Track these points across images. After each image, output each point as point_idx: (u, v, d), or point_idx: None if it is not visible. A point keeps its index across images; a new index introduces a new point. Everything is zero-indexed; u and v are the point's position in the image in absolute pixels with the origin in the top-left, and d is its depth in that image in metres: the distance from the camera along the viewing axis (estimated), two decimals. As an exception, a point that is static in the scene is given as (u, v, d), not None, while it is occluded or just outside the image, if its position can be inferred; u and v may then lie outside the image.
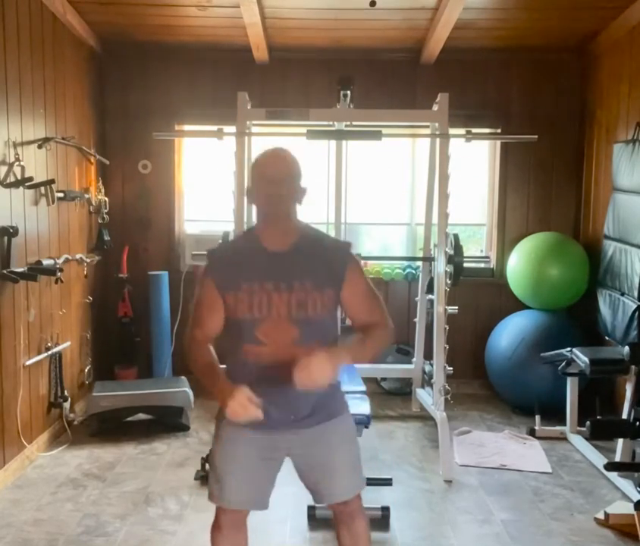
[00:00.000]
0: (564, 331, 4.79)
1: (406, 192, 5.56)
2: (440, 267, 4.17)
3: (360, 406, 3.28)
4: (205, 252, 2.09)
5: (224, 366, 2.04)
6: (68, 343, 4.41)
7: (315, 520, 3.16)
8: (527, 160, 5.32)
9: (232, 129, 4.18)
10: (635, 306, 3.99)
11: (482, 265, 5.55)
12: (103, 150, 5.17)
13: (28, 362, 3.82)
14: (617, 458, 3.76)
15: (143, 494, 3.51)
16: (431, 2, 4.22)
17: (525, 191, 5.39)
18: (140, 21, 4.66)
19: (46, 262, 3.96)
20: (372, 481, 3.44)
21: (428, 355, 4.61)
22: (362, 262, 5.23)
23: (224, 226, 4.56)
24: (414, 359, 4.97)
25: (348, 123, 4.58)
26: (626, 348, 3.63)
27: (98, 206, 5.03)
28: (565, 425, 4.39)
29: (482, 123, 5.27)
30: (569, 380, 4.36)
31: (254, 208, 2.06)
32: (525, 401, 4.72)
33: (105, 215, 5.11)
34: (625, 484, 3.54)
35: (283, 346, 1.93)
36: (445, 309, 4.14)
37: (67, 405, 4.31)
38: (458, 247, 4.34)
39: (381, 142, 4.30)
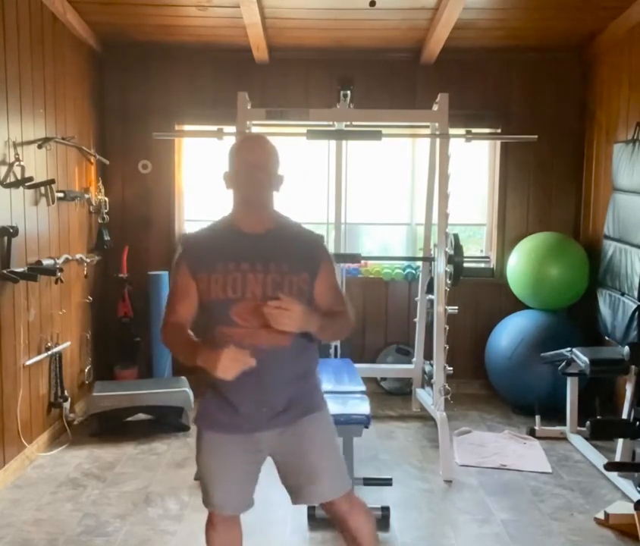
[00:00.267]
0: (564, 331, 4.79)
1: (406, 192, 5.56)
2: (440, 267, 4.17)
3: (360, 406, 3.28)
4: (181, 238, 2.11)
5: None
6: (68, 343, 4.41)
7: (315, 520, 3.15)
8: (527, 160, 5.32)
9: (232, 129, 4.18)
10: (635, 306, 3.99)
11: (482, 265, 5.55)
12: (103, 150, 5.17)
13: (28, 362, 3.82)
14: (617, 458, 3.76)
15: (143, 494, 3.51)
16: (431, 2, 4.22)
17: (525, 191, 5.39)
18: (140, 21, 4.66)
19: (46, 262, 3.96)
20: (372, 481, 3.46)
21: (428, 355, 4.61)
22: (362, 261, 5.24)
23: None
24: (414, 359, 4.97)
25: (348, 123, 4.58)
26: (626, 348, 3.63)
27: (98, 206, 5.03)
28: (565, 425, 4.39)
29: (482, 123, 5.27)
30: (569, 380, 4.36)
31: (231, 193, 2.04)
32: (525, 401, 4.72)
33: (105, 215, 5.11)
34: (625, 484, 3.54)
35: (258, 328, 1.91)
36: (445, 309, 4.15)
37: (67, 405, 4.31)
38: (458, 247, 4.34)
39: (381, 142, 4.31)
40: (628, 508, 3.17)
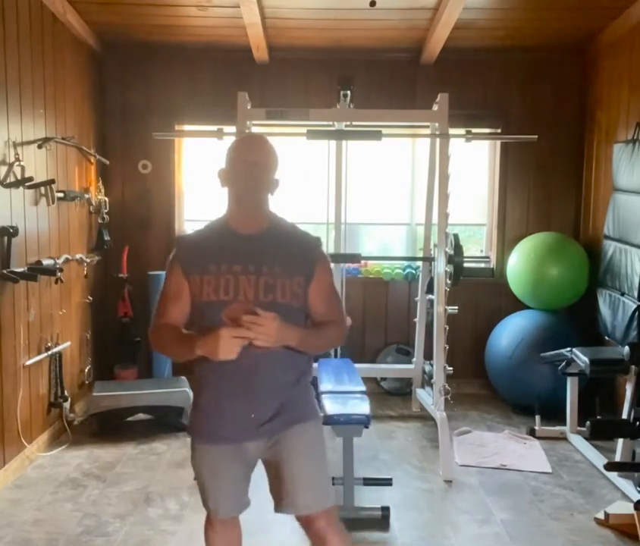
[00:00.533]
0: (564, 331, 4.79)
1: (406, 192, 5.56)
2: (440, 267, 4.17)
3: (360, 406, 3.28)
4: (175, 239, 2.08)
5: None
6: (68, 343, 4.41)
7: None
8: (527, 160, 5.32)
9: (232, 129, 4.18)
10: (635, 306, 3.99)
11: (482, 265, 5.55)
12: (103, 150, 5.18)
13: (28, 362, 3.82)
14: (617, 458, 3.76)
15: (143, 494, 3.51)
16: (431, 2, 4.22)
17: (525, 191, 5.39)
18: (140, 21, 4.66)
19: (46, 262, 3.96)
20: (372, 481, 3.46)
21: (428, 355, 4.61)
22: (362, 261, 5.24)
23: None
24: (414, 359, 4.97)
25: (348, 123, 4.58)
26: (626, 348, 3.63)
27: (98, 206, 5.03)
28: (565, 425, 4.39)
29: (482, 123, 5.27)
30: (569, 380, 4.36)
31: (226, 191, 2.00)
32: (525, 401, 4.72)
33: (105, 215, 5.11)
34: (625, 484, 3.54)
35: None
36: (445, 309, 4.15)
37: (67, 405, 4.32)
38: (458, 247, 4.34)
39: (381, 142, 4.31)
40: (628, 508, 3.17)
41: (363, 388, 3.57)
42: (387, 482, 3.47)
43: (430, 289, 4.63)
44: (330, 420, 3.10)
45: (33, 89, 3.91)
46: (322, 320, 2.02)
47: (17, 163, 3.62)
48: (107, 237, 5.13)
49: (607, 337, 4.48)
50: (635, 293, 3.99)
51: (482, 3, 4.30)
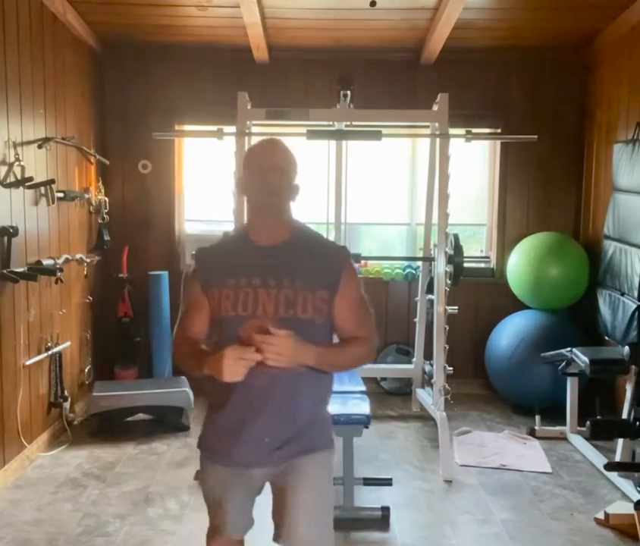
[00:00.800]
0: (564, 331, 4.79)
1: (406, 192, 5.56)
2: (440, 267, 4.17)
3: (360, 406, 3.28)
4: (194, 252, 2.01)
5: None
6: (68, 343, 4.41)
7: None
8: (527, 160, 5.32)
9: (232, 129, 4.18)
10: (635, 306, 3.99)
11: (482, 265, 5.55)
12: (103, 150, 5.17)
13: (28, 362, 3.82)
14: (617, 458, 3.76)
15: (143, 494, 3.51)
16: (431, 2, 4.22)
17: (525, 191, 5.39)
18: (140, 21, 4.66)
19: (46, 262, 3.96)
20: (372, 481, 3.46)
21: (428, 355, 4.61)
22: (362, 261, 5.24)
23: (224, 226, 4.57)
24: (414, 359, 4.97)
25: (348, 123, 4.58)
26: (626, 348, 3.64)
27: (98, 206, 5.03)
28: (565, 425, 4.39)
29: (482, 123, 5.27)
30: (569, 380, 4.36)
31: (245, 200, 1.91)
32: (525, 401, 4.73)
33: (105, 215, 5.11)
34: (625, 484, 3.54)
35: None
36: (445, 309, 4.15)
37: (67, 405, 4.31)
38: (458, 247, 4.34)
39: (381, 142, 4.31)
40: (628, 508, 3.17)
41: (363, 388, 3.58)
42: (387, 482, 3.48)
43: (430, 289, 4.63)
44: (330, 420, 3.10)
45: (33, 89, 3.91)
46: (350, 336, 1.89)
47: (17, 163, 3.63)
48: (107, 237, 5.13)
49: (607, 337, 4.48)
50: (635, 293, 3.99)
51: (482, 3, 4.30)
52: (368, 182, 5.44)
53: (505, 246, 5.38)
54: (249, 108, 4.20)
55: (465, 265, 4.44)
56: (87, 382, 4.85)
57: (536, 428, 4.42)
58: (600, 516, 3.23)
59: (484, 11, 4.43)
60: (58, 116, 4.28)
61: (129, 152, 5.32)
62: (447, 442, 3.89)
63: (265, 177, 1.81)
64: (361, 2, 4.17)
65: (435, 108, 4.28)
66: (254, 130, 4.43)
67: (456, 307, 4.29)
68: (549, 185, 5.37)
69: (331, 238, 4.79)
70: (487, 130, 5.35)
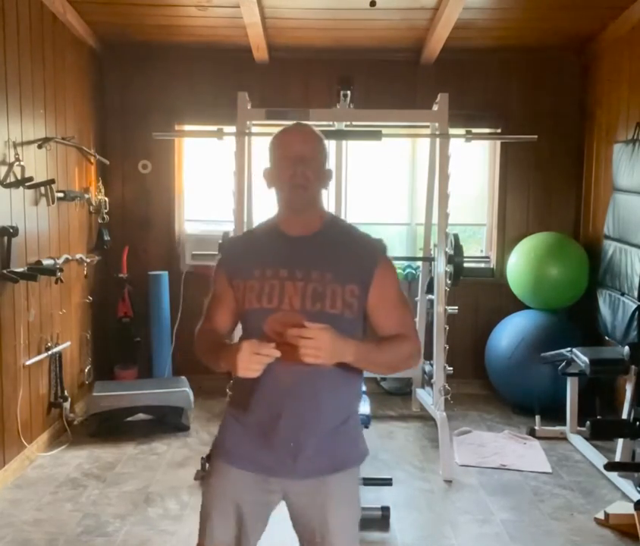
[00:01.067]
0: (564, 331, 4.78)
1: (406, 192, 5.56)
2: (440, 267, 4.17)
3: (360, 406, 3.27)
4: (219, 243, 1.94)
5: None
6: (68, 343, 4.41)
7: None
8: (527, 160, 5.32)
9: (232, 129, 4.18)
10: (635, 306, 3.99)
11: (482, 265, 5.55)
12: (103, 150, 5.17)
13: (28, 362, 3.82)
14: (617, 458, 3.76)
15: (143, 494, 3.51)
16: (431, 2, 4.22)
17: (525, 191, 5.39)
18: (140, 21, 4.66)
19: (46, 262, 3.96)
20: (372, 481, 3.45)
21: (428, 355, 4.61)
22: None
23: (224, 226, 4.56)
24: (414, 359, 4.96)
25: (348, 123, 4.58)
26: (626, 348, 3.64)
27: (98, 206, 5.03)
28: (565, 425, 4.38)
29: (482, 123, 5.26)
30: (569, 380, 4.36)
31: (273, 192, 1.79)
32: (525, 401, 4.72)
33: (105, 215, 5.11)
34: (625, 484, 3.54)
35: (291, 344, 1.60)
36: (445, 309, 4.15)
37: (67, 405, 4.31)
38: (458, 247, 4.34)
39: (381, 142, 4.30)
40: (628, 508, 3.17)
41: (363, 388, 3.57)
42: (387, 482, 3.48)
43: (430, 289, 4.63)
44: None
45: (33, 89, 3.91)
46: (390, 334, 1.74)
47: (17, 163, 3.62)
48: (107, 237, 5.13)
49: (607, 337, 4.48)
50: (635, 293, 3.99)
51: (482, 3, 4.30)
52: (368, 182, 5.44)
53: (505, 246, 5.38)
54: (249, 108, 4.20)
55: (465, 265, 4.43)
56: (87, 382, 4.85)
57: (536, 428, 4.42)
58: (600, 516, 3.23)
59: (484, 11, 4.43)
60: (58, 116, 4.28)
61: (129, 151, 5.32)
62: (447, 442, 3.89)
63: (293, 169, 1.69)
64: (361, 2, 4.16)
65: (435, 108, 4.28)
66: (254, 130, 4.43)
67: (456, 307, 4.29)
68: (549, 185, 5.36)
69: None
70: (487, 130, 5.35)
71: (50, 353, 4.10)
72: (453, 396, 4.19)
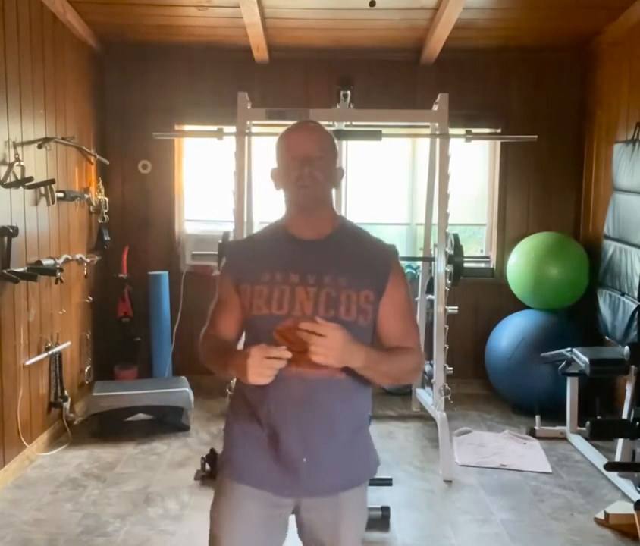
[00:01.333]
0: (564, 331, 4.79)
1: (406, 192, 5.56)
2: (440, 267, 4.17)
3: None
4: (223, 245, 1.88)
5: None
6: (68, 343, 4.41)
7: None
8: (527, 160, 5.32)
9: (232, 129, 4.18)
10: (635, 306, 3.99)
11: (482, 265, 5.54)
12: (103, 150, 5.17)
13: (28, 362, 3.82)
14: (617, 458, 3.76)
15: (143, 494, 3.51)
16: (431, 2, 4.22)
17: (525, 191, 5.39)
18: (140, 21, 4.66)
19: (46, 262, 3.96)
20: (372, 481, 3.43)
21: (428, 355, 4.61)
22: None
23: (224, 226, 4.56)
24: (414, 359, 4.96)
25: (348, 123, 4.58)
26: (626, 348, 3.64)
27: (98, 206, 5.03)
28: (565, 425, 4.39)
29: (482, 123, 5.26)
30: (569, 380, 4.36)
31: (282, 193, 1.72)
32: (525, 401, 4.72)
33: (105, 215, 5.11)
34: (625, 484, 3.54)
35: (302, 352, 1.53)
36: (445, 309, 4.14)
37: (67, 405, 4.31)
38: (458, 247, 4.34)
39: (381, 142, 4.30)
40: (628, 508, 3.17)
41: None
42: (387, 482, 3.47)
43: (430, 289, 4.63)
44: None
45: (33, 89, 3.91)
46: (396, 345, 1.70)
47: (17, 163, 3.62)
48: (107, 237, 5.13)
49: (607, 337, 4.48)
50: (635, 293, 3.99)
51: (482, 3, 4.30)
52: (368, 182, 5.44)
53: (505, 246, 5.38)
54: (249, 108, 4.19)
55: (465, 265, 4.43)
56: (87, 382, 4.85)
57: (536, 428, 4.42)
58: (600, 516, 3.23)
59: (484, 11, 4.43)
60: (58, 116, 4.28)
61: (129, 152, 5.32)
62: (446, 442, 3.89)
63: (300, 170, 1.62)
64: (361, 2, 4.16)
65: (435, 108, 4.28)
66: (254, 130, 4.42)
67: (456, 307, 4.29)
68: (549, 185, 5.36)
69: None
70: (487, 130, 5.35)
71: (50, 352, 4.11)
72: (453, 396, 4.19)
